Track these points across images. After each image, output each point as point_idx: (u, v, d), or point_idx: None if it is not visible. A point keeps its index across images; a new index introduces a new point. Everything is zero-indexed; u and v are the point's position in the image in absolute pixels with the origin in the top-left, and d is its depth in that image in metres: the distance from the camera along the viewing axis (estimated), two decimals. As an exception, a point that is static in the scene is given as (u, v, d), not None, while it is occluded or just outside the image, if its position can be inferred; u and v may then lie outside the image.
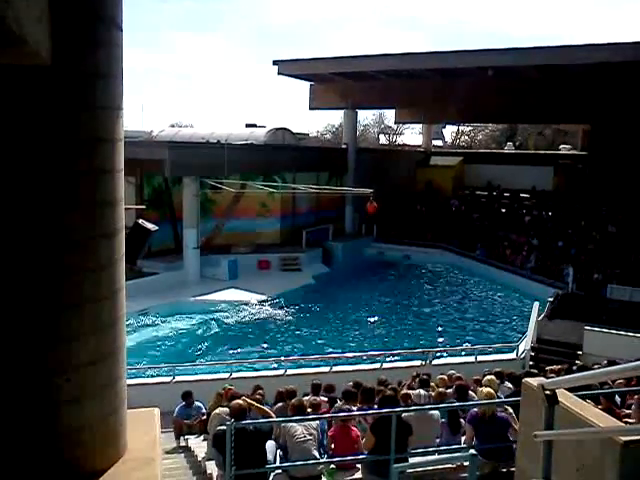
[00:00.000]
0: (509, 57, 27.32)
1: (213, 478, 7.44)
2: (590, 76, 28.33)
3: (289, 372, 14.41)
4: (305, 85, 36.12)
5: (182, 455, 10.07)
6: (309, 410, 7.39)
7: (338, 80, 33.53)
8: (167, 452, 9.92)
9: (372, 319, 22.45)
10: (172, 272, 24.73)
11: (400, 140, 59.56)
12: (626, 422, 5.92)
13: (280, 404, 8.32)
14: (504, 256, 28.37)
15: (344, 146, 36.35)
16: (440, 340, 19.94)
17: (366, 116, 60.04)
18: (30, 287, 3.01)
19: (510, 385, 9.19)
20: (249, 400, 7.22)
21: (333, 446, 6.61)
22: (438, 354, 15.87)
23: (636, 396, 6.85)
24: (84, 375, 3.19)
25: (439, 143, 51.45)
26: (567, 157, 39.29)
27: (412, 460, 6.08)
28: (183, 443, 10.78)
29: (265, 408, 7.24)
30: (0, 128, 2.89)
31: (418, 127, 52.09)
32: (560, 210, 31.60)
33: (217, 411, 8.07)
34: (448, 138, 58.72)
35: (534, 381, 3.46)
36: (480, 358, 15.40)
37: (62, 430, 3.15)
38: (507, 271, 27.21)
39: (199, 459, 9.00)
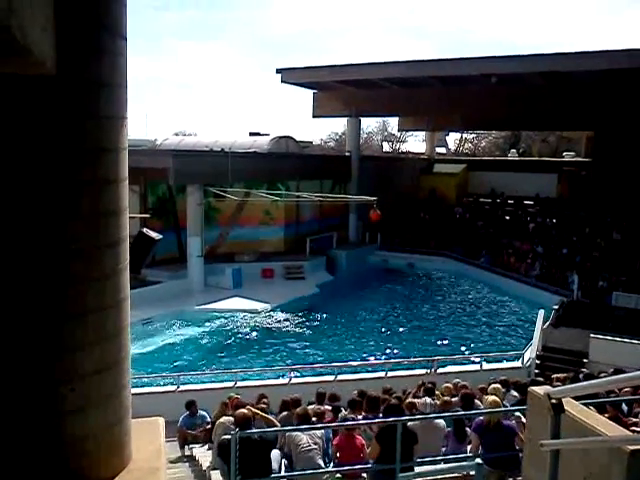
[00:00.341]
0: (513, 64, 27.35)
1: (218, 487, 7.41)
2: (594, 83, 28.33)
3: (294, 381, 14.37)
4: (308, 93, 36.22)
5: (187, 464, 10.05)
6: (314, 419, 7.37)
7: (341, 88, 33.62)
8: (172, 461, 9.91)
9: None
10: (176, 281, 24.74)
11: (404, 148, 59.62)
12: (633, 431, 5.88)
13: (285, 413, 8.30)
14: (508, 264, 28.30)
15: (347, 154, 36.40)
16: (445, 348, 19.87)
17: (369, 124, 60.20)
18: (34, 297, 3.01)
19: (516, 393, 9.15)
20: (254, 409, 7.21)
21: (338, 455, 6.58)
22: (443, 362, 15.80)
23: (643, 404, 6.80)
24: (89, 385, 3.18)
25: (442, 151, 51.46)
26: (571, 164, 39.24)
27: (418, 469, 6.04)
28: (188, 452, 10.76)
29: (270, 417, 7.23)
30: (4, 137, 2.90)
31: (421, 135, 52.18)
32: (564, 217, 31.53)
33: (222, 420, 8.07)
34: (451, 145, 58.77)
35: (540, 389, 3.44)
36: (485, 366, 15.34)
37: (67, 440, 3.14)
38: (512, 279, 27.12)
39: (204, 468, 8.97)
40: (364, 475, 6.40)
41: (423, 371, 14.93)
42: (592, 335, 16.53)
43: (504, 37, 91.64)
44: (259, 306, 23.80)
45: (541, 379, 10.05)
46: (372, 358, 18.01)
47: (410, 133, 56.96)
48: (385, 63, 30.65)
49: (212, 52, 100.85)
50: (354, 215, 34.44)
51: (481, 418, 6.42)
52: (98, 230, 3.18)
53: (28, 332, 3.02)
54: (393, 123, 54.56)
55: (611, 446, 2.86)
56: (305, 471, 6.22)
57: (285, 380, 14.49)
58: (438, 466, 6.33)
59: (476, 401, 8.32)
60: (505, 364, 16.02)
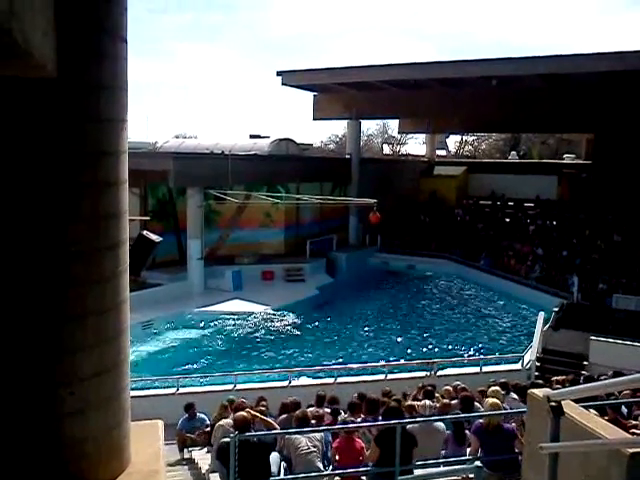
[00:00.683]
0: (513, 66, 27.37)
1: (217, 490, 7.40)
2: (594, 85, 28.36)
3: (293, 383, 14.36)
4: (309, 95, 36.26)
5: (186, 467, 10.04)
6: (313, 422, 7.37)
7: (342, 90, 33.65)
8: (171, 464, 9.90)
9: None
10: (176, 283, 24.73)
11: (404, 150, 59.68)
12: (633, 433, 5.87)
13: (284, 416, 8.29)
14: (509, 266, 28.29)
15: (348, 156, 36.41)
16: (445, 350, 19.86)
17: (370, 126, 60.27)
18: (34, 299, 3.02)
19: (515, 396, 9.15)
20: (253, 412, 7.21)
21: (337, 458, 6.58)
22: (443, 365, 15.80)
23: (643, 407, 6.80)
24: (88, 387, 3.18)
25: (443, 153, 51.49)
26: (571, 166, 39.28)
27: (417, 472, 6.04)
28: (187, 455, 10.75)
29: (269, 420, 7.23)
30: (5, 140, 2.90)
31: (422, 137, 52.27)
32: (564, 219, 31.54)
33: (221, 423, 8.06)
34: (452, 148, 58.86)
35: (540, 392, 3.44)
36: (485, 369, 15.33)
37: (66, 442, 3.14)
38: (512, 281, 27.11)
39: (203, 471, 8.96)
40: (363, 478, 6.40)
41: (423, 374, 14.92)
42: (592, 337, 16.53)
43: (504, 39, 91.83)
44: (259, 308, 23.78)
45: (541, 381, 10.06)
46: (372, 361, 17.99)
47: (410, 135, 57.09)
48: (385, 65, 30.68)
49: (212, 54, 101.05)
50: (354, 217, 34.46)
51: (480, 421, 6.41)
52: (98, 233, 3.19)
53: (28, 334, 3.02)
54: (393, 125, 54.69)
55: (610, 449, 2.86)
56: (304, 474, 6.21)
57: (285, 383, 14.47)
58: (437, 469, 6.32)
59: (476, 404, 8.32)
60: (505, 366, 16.01)
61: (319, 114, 36.59)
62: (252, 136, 36.84)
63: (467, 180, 39.99)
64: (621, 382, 3.01)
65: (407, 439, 5.95)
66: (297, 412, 7.43)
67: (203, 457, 9.86)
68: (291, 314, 23.58)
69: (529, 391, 3.70)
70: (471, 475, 5.62)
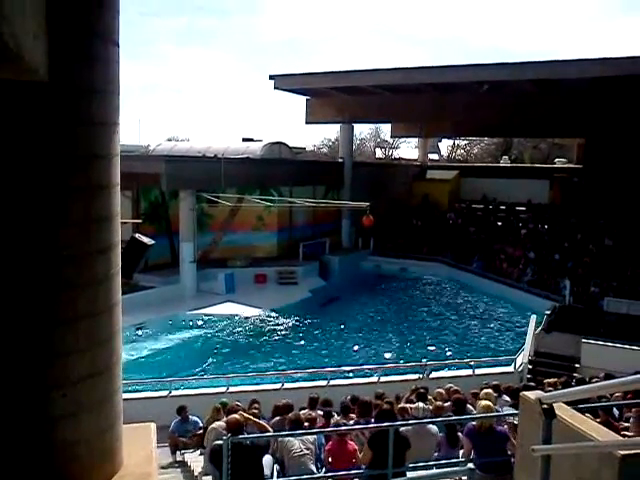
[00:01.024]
0: (504, 71, 27.52)
1: (210, 493, 7.37)
2: (585, 90, 28.54)
3: (286, 386, 14.34)
4: (301, 99, 36.29)
5: (178, 470, 10.01)
6: (306, 424, 7.36)
7: (334, 94, 33.70)
8: (163, 467, 9.86)
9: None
10: (168, 286, 24.67)
11: (396, 154, 59.72)
12: (624, 435, 5.90)
13: (277, 418, 8.28)
14: (501, 269, 28.39)
15: (340, 160, 36.45)
16: (437, 353, 19.89)
17: (362, 130, 60.34)
18: (26, 302, 3.01)
19: (508, 398, 9.18)
20: (246, 414, 7.19)
21: (330, 460, 6.58)
22: (435, 367, 15.82)
23: (634, 409, 6.83)
24: (80, 390, 3.17)
25: (435, 157, 51.61)
26: (562, 170, 39.47)
27: (410, 475, 6.04)
28: (179, 458, 10.71)
29: (262, 422, 7.21)
30: (-3, 143, 2.90)
31: (414, 141, 52.35)
32: (556, 223, 31.69)
33: (214, 425, 8.04)
34: (444, 152, 58.95)
35: (532, 394, 3.46)
36: (477, 371, 15.37)
37: (58, 445, 3.13)
38: (504, 284, 27.19)
39: (195, 474, 8.94)
40: (356, 480, 6.40)
41: (415, 376, 14.93)
42: (584, 340, 16.59)
43: (496, 44, 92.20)
44: (252, 311, 23.76)
45: (533, 384, 10.11)
46: (364, 363, 17.99)
47: (403, 139, 57.19)
48: (377, 70, 30.76)
49: (205, 58, 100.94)
50: (347, 221, 34.49)
51: (473, 423, 6.42)
52: (90, 236, 3.18)
53: (20, 337, 3.01)
54: (386, 129, 54.74)
55: (602, 451, 2.87)
56: (297, 476, 6.20)
57: (277, 385, 14.45)
58: (430, 471, 6.32)
59: (468, 406, 8.34)
60: (497, 369, 16.03)
61: (312, 118, 36.63)
62: (245, 139, 36.81)
63: (459, 184, 40.10)
64: (612, 385, 3.03)
65: (400, 441, 5.95)
66: (290, 415, 7.43)
67: (196, 460, 9.83)
68: (284, 317, 23.57)
69: (521, 393, 3.72)
70: (464, 477, 5.62)
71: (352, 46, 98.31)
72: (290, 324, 23.03)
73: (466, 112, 32.41)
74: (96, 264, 3.24)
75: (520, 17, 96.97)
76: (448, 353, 19.94)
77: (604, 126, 30.83)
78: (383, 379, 14.84)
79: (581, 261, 26.46)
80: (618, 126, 30.28)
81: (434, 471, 6.33)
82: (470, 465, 5.44)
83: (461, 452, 6.83)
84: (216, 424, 8.03)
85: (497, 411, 7.26)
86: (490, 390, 8.57)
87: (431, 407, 8.27)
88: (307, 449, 6.49)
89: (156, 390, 14.57)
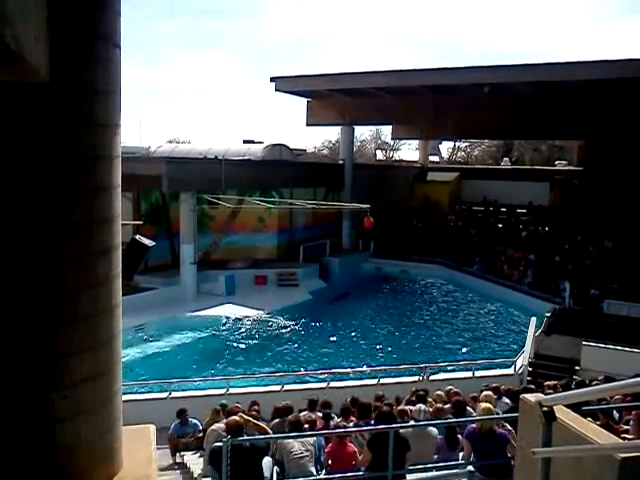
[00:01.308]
0: (504, 74, 27.53)
1: (209, 495, 7.37)
2: (585, 92, 28.57)
3: (286, 388, 14.34)
4: (302, 101, 36.33)
5: (178, 472, 10.01)
6: (306, 426, 7.36)
7: (335, 96, 33.73)
8: (163, 469, 9.86)
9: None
10: (169, 287, 24.67)
11: (397, 156, 59.77)
12: (624, 438, 5.89)
13: (277, 420, 8.28)
14: (501, 271, 28.38)
15: (341, 162, 36.47)
16: (437, 355, 19.88)
17: (363, 132, 60.38)
18: (27, 304, 3.01)
19: (508, 401, 9.17)
20: (246, 416, 7.19)
21: (330, 462, 6.57)
22: (435, 369, 15.81)
23: (634, 412, 6.83)
24: (81, 392, 3.17)
25: (436, 159, 51.64)
26: (563, 172, 39.48)
27: (410, 477, 6.04)
28: (179, 460, 10.71)
29: (262, 424, 7.21)
30: (-1, 145, 2.90)
31: (415, 143, 52.38)
32: (557, 225, 31.69)
33: (213, 427, 8.04)
34: (445, 154, 58.97)
35: (532, 397, 3.45)
36: (477, 373, 15.35)
37: (58, 446, 3.13)
38: (504, 286, 27.19)
39: (195, 476, 8.94)
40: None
41: (415, 378, 14.93)
42: (584, 342, 16.58)
43: (497, 46, 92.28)
44: (252, 313, 23.76)
45: (533, 386, 10.07)
46: (364, 365, 17.98)
47: (403, 141, 57.19)
48: (378, 72, 30.79)
49: (206, 60, 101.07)
50: (347, 222, 34.50)
51: (473, 425, 6.42)
52: (91, 237, 3.19)
53: (21, 339, 3.01)
54: (386, 131, 54.76)
55: (602, 454, 2.87)
56: (297, 478, 6.20)
57: (277, 387, 14.45)
58: (430, 473, 6.32)
59: (468, 408, 8.33)
60: (497, 371, 16.03)
61: (313, 120, 36.66)
62: (245, 141, 36.84)
63: (460, 186, 40.11)
64: (613, 387, 3.03)
65: (400, 444, 5.94)
66: (290, 417, 7.43)
67: (195, 461, 9.84)
68: (284, 319, 23.56)
69: (521, 396, 3.71)
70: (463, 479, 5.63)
71: (353, 48, 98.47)
72: (290, 326, 23.02)
73: (466, 114, 32.43)
74: (97, 266, 3.24)
75: (520, 19, 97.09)
76: (448, 355, 19.91)
77: (604, 128, 30.84)
78: (383, 381, 14.83)
79: (581, 263, 26.45)
80: (618, 128, 30.28)
81: (434, 473, 6.33)
82: (470, 467, 5.45)
83: (461, 454, 6.83)
84: (216, 426, 8.03)
85: (497, 414, 7.25)
86: (490, 392, 8.55)
87: (431, 409, 8.27)
88: (307, 451, 6.49)
89: (156, 392, 14.57)
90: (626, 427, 7.08)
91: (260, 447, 6.10)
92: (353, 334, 22.92)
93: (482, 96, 29.98)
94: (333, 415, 8.45)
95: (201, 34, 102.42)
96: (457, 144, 60.66)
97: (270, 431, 7.08)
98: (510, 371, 16.02)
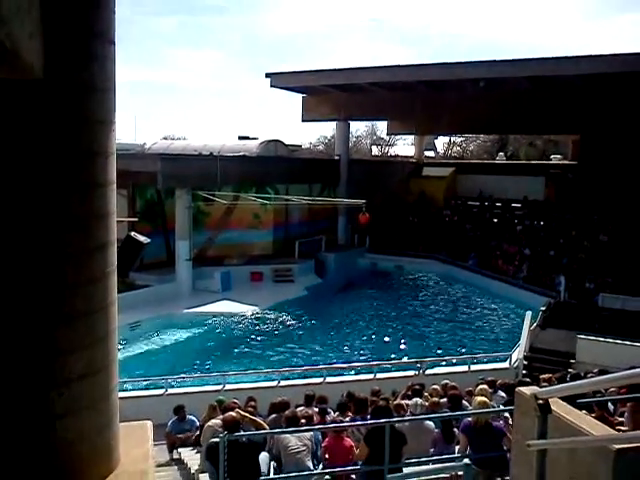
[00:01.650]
0: (499, 69, 27.58)
1: (206, 491, 7.38)
2: (579, 87, 28.65)
3: (282, 383, 14.36)
4: (297, 97, 36.28)
5: (175, 468, 10.01)
6: (302, 421, 7.38)
7: (330, 92, 33.70)
8: (160, 465, 9.86)
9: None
10: (164, 284, 24.64)
11: (392, 151, 59.77)
12: (619, 430, 5.93)
13: (273, 415, 8.30)
14: (496, 266, 28.46)
15: (337, 157, 36.45)
16: (433, 350, 19.93)
17: (358, 127, 60.35)
18: (23, 301, 3.00)
19: (503, 394, 9.21)
20: (242, 412, 7.21)
21: (327, 457, 6.60)
22: (431, 364, 15.86)
23: (629, 404, 6.86)
24: (77, 388, 3.17)
25: (431, 154, 51.66)
26: (558, 167, 39.55)
27: (406, 470, 6.07)
28: (176, 456, 10.71)
29: (258, 420, 7.23)
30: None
31: (410, 138, 52.36)
32: (552, 220, 31.77)
33: (210, 423, 8.03)
34: (440, 149, 59.08)
35: (527, 390, 3.47)
36: (473, 367, 15.40)
37: (55, 443, 3.13)
38: (499, 281, 27.28)
39: (192, 472, 8.94)
40: (353, 476, 6.42)
41: (411, 373, 14.97)
42: (579, 336, 16.67)
43: (491, 40, 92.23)
44: (248, 309, 23.76)
45: (528, 380, 10.12)
46: (360, 360, 18.02)
47: (399, 137, 57.19)
48: (373, 68, 30.79)
49: (201, 56, 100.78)
50: (343, 218, 34.52)
51: (469, 419, 6.45)
52: (87, 234, 3.18)
53: (17, 336, 3.01)
54: (382, 127, 54.80)
55: (597, 445, 2.89)
56: (294, 473, 6.22)
57: (274, 383, 14.47)
58: (426, 467, 6.36)
59: (464, 402, 8.37)
60: (493, 365, 16.10)
61: (308, 115, 36.65)
62: (241, 137, 36.80)
63: (455, 181, 40.14)
64: (607, 380, 3.04)
65: (396, 437, 5.97)
66: (287, 412, 7.45)
67: (192, 457, 9.85)
68: (280, 315, 23.58)
69: (517, 389, 3.73)
70: (460, 473, 5.67)
71: (347, 45, 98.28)
72: (286, 322, 23.04)
73: (461, 109, 32.49)
74: (92, 262, 3.23)
75: (514, 14, 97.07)
76: (444, 349, 19.97)
77: (599, 123, 30.92)
78: (379, 376, 14.86)
79: (576, 257, 26.55)
80: (612, 123, 30.37)
81: (430, 467, 6.37)
82: (466, 460, 5.49)
83: (457, 448, 6.86)
84: (212, 422, 8.03)
85: (493, 407, 7.28)
86: (486, 386, 8.59)
87: (427, 403, 8.30)
88: (304, 446, 6.51)
89: (152, 388, 14.58)
90: (621, 419, 7.11)
91: (257, 442, 6.11)
92: (349, 329, 22.96)
93: (477, 91, 30.03)
94: (329, 410, 8.47)
95: (196, 31, 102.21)
96: (452, 139, 60.75)
97: (267, 427, 7.09)
98: (506, 365, 16.09)
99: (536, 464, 3.22)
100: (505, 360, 16.34)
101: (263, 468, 6.26)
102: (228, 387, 13.86)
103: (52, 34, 2.83)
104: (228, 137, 37.26)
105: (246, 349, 20.31)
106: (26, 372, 3.04)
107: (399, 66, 30.60)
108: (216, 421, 7.80)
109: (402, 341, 21.42)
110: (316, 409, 8.48)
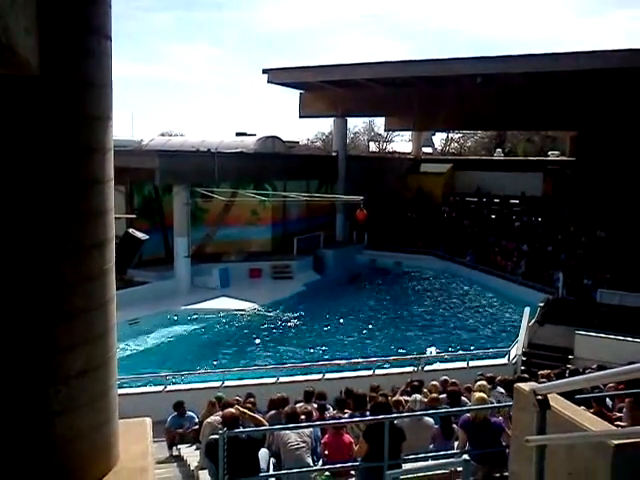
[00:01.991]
0: (497, 65, 27.55)
1: (206, 488, 7.39)
2: (577, 83, 28.62)
3: (281, 380, 14.38)
4: (295, 93, 36.23)
5: (175, 465, 10.02)
6: (302, 417, 7.39)
7: (328, 88, 33.64)
8: (160, 462, 9.87)
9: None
10: (163, 281, 24.64)
11: (390, 147, 59.73)
12: (617, 425, 5.94)
13: (272, 412, 8.30)
14: (495, 262, 28.47)
15: (334, 154, 36.43)
16: (432, 346, 19.93)
17: (356, 124, 60.26)
18: (22, 298, 3.00)
19: (502, 390, 9.22)
20: (241, 408, 7.21)
21: (326, 453, 6.60)
22: (430, 360, 15.87)
23: (627, 399, 6.88)
24: (76, 385, 3.17)
25: (429, 150, 51.61)
26: (555, 163, 39.55)
27: (405, 466, 6.07)
28: (176, 453, 10.73)
29: (258, 416, 7.23)
30: (-10, 138, 2.88)
31: (408, 134, 52.31)
32: (549, 216, 31.79)
33: (209, 420, 8.04)
34: (438, 145, 58.98)
35: (526, 386, 3.47)
36: (472, 363, 15.43)
37: (54, 440, 3.13)
38: (498, 277, 27.30)
39: (192, 468, 8.95)
40: (352, 473, 6.43)
41: (410, 369, 14.99)
42: (577, 332, 16.69)
43: (487, 36, 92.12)
44: (246, 306, 23.77)
45: (527, 376, 10.15)
46: (359, 356, 18.04)
47: (396, 133, 57.12)
48: (371, 64, 30.72)
49: (199, 52, 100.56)
50: (341, 215, 34.51)
51: (468, 415, 6.46)
52: (85, 231, 3.17)
53: (16, 333, 3.00)
54: (379, 123, 54.74)
55: (596, 441, 2.89)
56: (294, 469, 6.23)
57: (273, 379, 14.48)
58: (426, 463, 6.36)
59: (463, 398, 8.38)
60: (491, 361, 16.12)
61: (305, 112, 36.59)
62: (238, 134, 36.72)
63: (453, 177, 40.13)
64: (606, 375, 3.05)
65: (395, 434, 5.98)
66: (286, 408, 7.46)
67: (192, 454, 9.86)
68: (278, 311, 23.58)
69: (515, 385, 3.73)
70: (459, 468, 5.67)
71: (345, 41, 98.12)
72: (285, 318, 23.05)
73: (459, 105, 32.45)
74: (91, 259, 3.23)
75: (510, 9, 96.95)
76: (443, 345, 19.98)
77: (596, 119, 30.90)
78: (378, 372, 14.89)
79: (574, 253, 26.57)
80: (610, 119, 30.35)
81: (430, 463, 6.37)
82: (465, 456, 5.49)
83: (456, 444, 6.87)
84: (211, 418, 8.04)
85: (491, 403, 7.30)
86: (484, 382, 8.60)
87: (426, 399, 8.31)
88: (303, 442, 6.51)
89: (151, 385, 14.58)
90: (619, 415, 7.13)
91: (256, 439, 6.11)
92: (348, 326, 22.96)
93: (474, 87, 29.98)
94: (328, 406, 8.48)
95: (193, 26, 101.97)
96: (450, 135, 60.68)
97: (266, 423, 7.10)
98: (504, 361, 16.10)
99: (535, 460, 3.22)
100: (504, 356, 16.36)
101: (262, 464, 6.27)
102: (227, 384, 13.86)
103: (48, 30, 2.81)
104: (226, 133, 37.42)
105: (245, 345, 20.32)
106: (25, 369, 3.03)
107: (396, 62, 30.57)
108: (215, 417, 7.80)
109: (401, 338, 21.44)
110: (315, 405, 8.50)
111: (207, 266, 26.39)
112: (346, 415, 7.73)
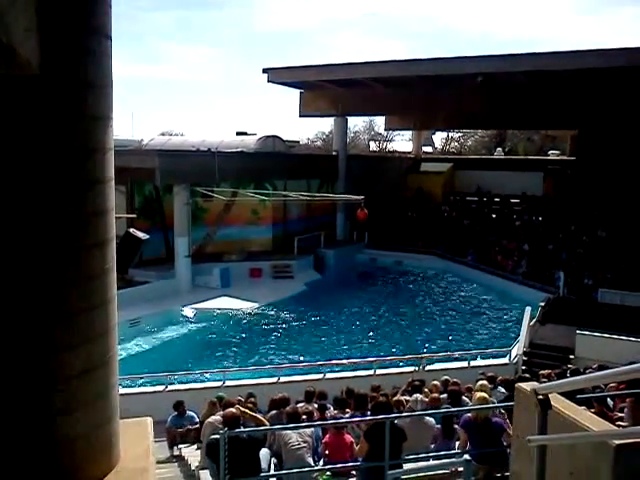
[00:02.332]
0: (497, 63, 27.53)
1: (207, 487, 7.39)
2: (577, 82, 28.58)
3: (282, 379, 14.38)
4: (295, 92, 36.20)
5: (176, 464, 10.03)
6: (303, 417, 7.39)
7: (328, 87, 33.61)
8: (160, 462, 9.88)
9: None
10: (164, 281, 24.64)
11: (390, 147, 59.68)
12: (618, 425, 5.93)
13: (274, 412, 8.30)
14: (495, 261, 28.45)
15: (334, 153, 36.41)
16: (433, 345, 19.95)
17: (356, 123, 60.23)
18: (22, 298, 3.00)
19: (503, 390, 9.22)
20: (242, 408, 7.21)
21: (327, 453, 6.60)
22: (431, 360, 15.87)
23: (628, 399, 6.87)
24: (77, 385, 3.17)
25: (429, 149, 51.59)
26: (556, 162, 39.53)
27: (406, 466, 6.07)
28: (177, 452, 10.74)
29: (258, 416, 7.23)
30: (-9, 138, 2.88)
31: (408, 134, 52.28)
32: (550, 215, 31.76)
33: (210, 420, 8.04)
34: (438, 144, 58.96)
35: (527, 386, 3.47)
36: (473, 363, 15.44)
37: (55, 440, 3.13)
38: (499, 276, 27.27)
39: (193, 468, 8.96)
40: (353, 473, 6.42)
41: (411, 369, 14.98)
42: (578, 331, 16.68)
43: (487, 35, 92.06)
44: (247, 305, 23.77)
45: (528, 375, 10.16)
46: (360, 356, 18.03)
47: (397, 132, 57.08)
48: (371, 63, 30.70)
49: (199, 51, 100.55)
50: (342, 214, 34.49)
51: (469, 414, 6.45)
52: (85, 230, 3.17)
53: (16, 333, 3.00)
54: (380, 122, 54.69)
55: (597, 441, 2.89)
56: (295, 469, 6.23)
57: (273, 379, 14.48)
58: (427, 463, 6.36)
59: (464, 398, 8.38)
60: (492, 361, 16.11)
61: (305, 111, 36.55)
62: (239, 133, 36.71)
63: (453, 176, 40.11)
64: (607, 375, 3.04)
65: (396, 433, 5.97)
66: (287, 408, 7.46)
67: (193, 454, 9.87)
68: (279, 311, 23.58)
69: (516, 385, 3.72)
70: (460, 468, 5.67)
71: (345, 40, 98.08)
72: (286, 318, 23.04)
73: (459, 104, 32.43)
74: (91, 259, 3.23)
75: (511, 9, 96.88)
76: (443, 345, 19.98)
77: (597, 118, 30.89)
78: (379, 372, 14.88)
79: (575, 253, 26.55)
80: (611, 118, 30.34)
81: (430, 462, 6.37)
82: (466, 456, 5.49)
83: (457, 443, 6.87)
84: (212, 418, 8.04)
85: (492, 403, 7.29)
86: (485, 382, 8.59)
87: (427, 399, 8.31)
88: (304, 442, 6.51)
89: (152, 385, 14.58)
90: (620, 414, 7.13)
91: (257, 439, 6.11)
92: (349, 325, 22.95)
93: (475, 86, 29.94)
94: (329, 406, 8.48)
95: (193, 26, 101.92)
96: (450, 134, 60.63)
97: (267, 423, 7.10)
98: (505, 360, 16.10)
99: (536, 460, 3.22)
100: (505, 356, 16.35)
101: (263, 464, 6.26)
102: (228, 383, 13.87)
103: (48, 30, 2.81)
104: (226, 133, 37.36)
105: (246, 345, 20.31)
106: (26, 369, 3.03)
107: (396, 61, 30.54)
108: (216, 417, 7.80)
109: (402, 337, 21.43)
110: (316, 405, 8.49)
111: (208, 266, 26.38)
112: (347, 415, 7.73)
